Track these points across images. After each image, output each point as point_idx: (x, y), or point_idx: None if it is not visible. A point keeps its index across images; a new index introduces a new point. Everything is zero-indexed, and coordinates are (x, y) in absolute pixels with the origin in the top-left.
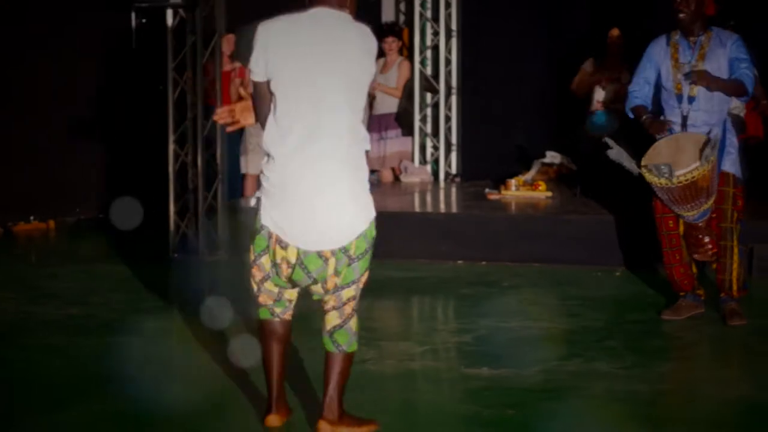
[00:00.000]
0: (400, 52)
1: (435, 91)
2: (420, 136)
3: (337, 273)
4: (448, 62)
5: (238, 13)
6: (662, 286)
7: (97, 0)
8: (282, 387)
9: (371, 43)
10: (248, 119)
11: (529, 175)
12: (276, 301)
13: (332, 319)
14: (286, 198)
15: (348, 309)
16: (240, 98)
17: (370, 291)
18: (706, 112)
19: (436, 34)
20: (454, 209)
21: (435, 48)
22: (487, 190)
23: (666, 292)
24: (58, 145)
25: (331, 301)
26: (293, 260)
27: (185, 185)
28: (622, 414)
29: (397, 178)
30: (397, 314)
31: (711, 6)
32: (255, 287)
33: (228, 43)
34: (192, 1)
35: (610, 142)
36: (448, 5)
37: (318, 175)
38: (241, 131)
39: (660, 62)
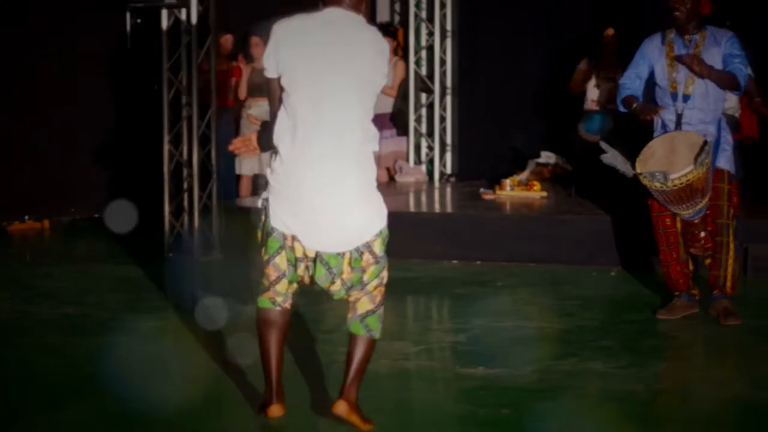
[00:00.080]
0: (395, 52)
1: (430, 91)
2: (415, 136)
3: (352, 266)
4: (442, 62)
5: (233, 13)
6: (657, 285)
7: (96, 0)
8: (281, 378)
9: (383, 45)
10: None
11: (523, 175)
12: (280, 293)
13: (365, 304)
14: (295, 197)
15: (378, 296)
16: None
17: None
18: (701, 111)
19: (430, 34)
20: (448, 209)
21: (430, 48)
22: (481, 190)
23: (661, 292)
24: (53, 144)
25: (357, 294)
26: (312, 255)
27: (180, 185)
28: (617, 413)
29: (392, 178)
30: (392, 314)
31: (706, 5)
32: (266, 284)
33: (225, 43)
34: (187, 1)
35: (604, 145)
36: (442, 5)
37: (326, 173)
38: (237, 132)
39: (654, 60)
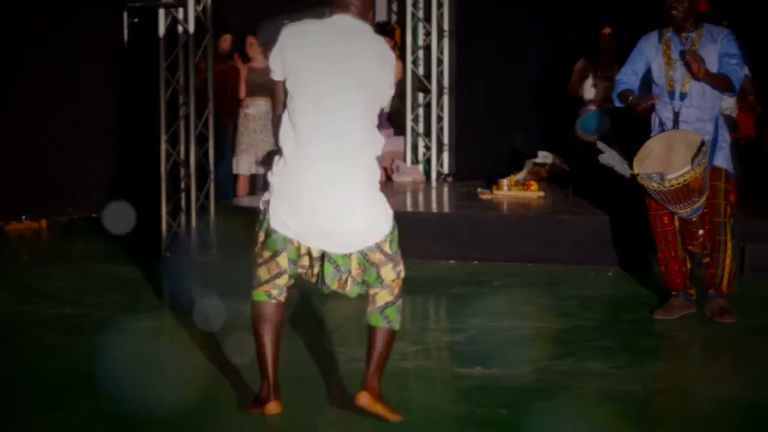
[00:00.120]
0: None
1: (427, 91)
2: (412, 136)
3: (364, 267)
4: (440, 62)
5: (230, 13)
6: (655, 285)
7: (95, 0)
8: (277, 374)
9: (391, 56)
10: None
11: (521, 175)
12: (278, 286)
13: (384, 296)
14: (296, 197)
15: (396, 289)
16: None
17: None
18: (698, 109)
19: (428, 34)
20: (446, 209)
21: (427, 48)
22: (479, 189)
23: (659, 292)
24: (51, 144)
25: (376, 289)
26: (318, 254)
27: (177, 185)
28: (615, 413)
29: (389, 178)
30: None
31: (704, 3)
32: (263, 278)
33: (223, 43)
34: (184, 0)
35: (601, 145)
36: (440, 5)
37: (326, 173)
38: (234, 132)
39: (651, 58)
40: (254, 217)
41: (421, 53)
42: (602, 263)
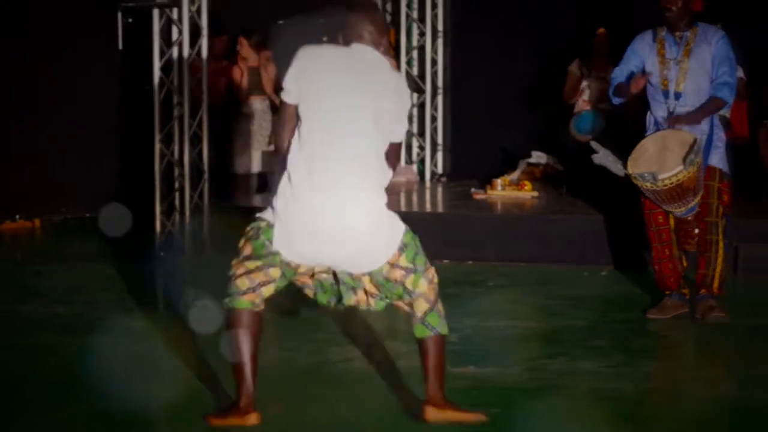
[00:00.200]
0: (387, 52)
1: (421, 91)
2: (406, 136)
3: (384, 284)
4: (434, 62)
5: (225, 14)
6: (648, 285)
7: (92, 0)
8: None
9: (405, 90)
10: None
11: (514, 175)
12: (263, 296)
13: (421, 305)
14: (304, 223)
15: (431, 294)
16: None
17: None
18: (693, 108)
19: (422, 34)
20: (440, 209)
21: (421, 48)
22: (473, 189)
23: (652, 292)
24: (44, 144)
25: (409, 299)
26: (326, 274)
27: (171, 184)
28: (607, 412)
29: None
30: (383, 313)
31: (698, 2)
32: (246, 286)
33: (219, 44)
34: (178, 0)
35: (595, 145)
36: (434, 6)
37: (337, 201)
38: (231, 131)
39: (645, 57)
40: (249, 216)
41: (415, 54)
42: (596, 263)
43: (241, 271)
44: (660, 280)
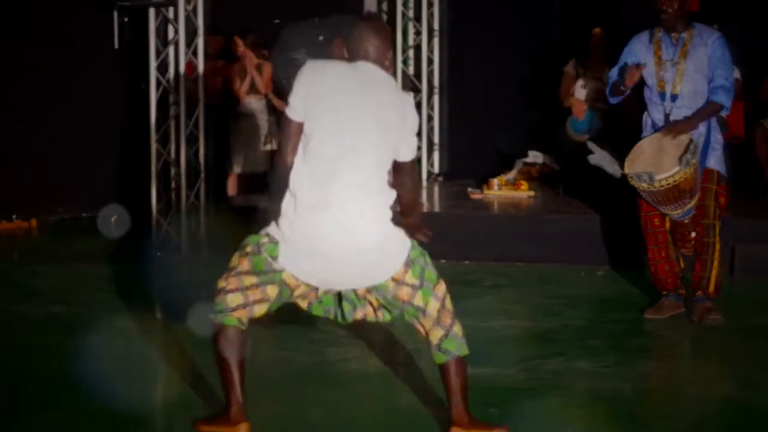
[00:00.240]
0: None
1: (417, 91)
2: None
3: (384, 301)
4: (430, 62)
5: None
6: (645, 285)
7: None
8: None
9: (411, 110)
10: None
11: (511, 175)
12: (251, 316)
13: (436, 333)
14: (309, 241)
15: (445, 318)
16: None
17: None
18: (689, 110)
19: (418, 33)
20: (436, 209)
21: (417, 47)
22: (469, 189)
23: (649, 291)
24: (41, 144)
25: (424, 322)
26: (328, 294)
27: (168, 184)
28: (604, 412)
29: None
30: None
31: (695, 2)
32: (235, 304)
33: (214, 43)
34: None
35: (592, 146)
36: (430, 5)
37: (344, 218)
38: (227, 131)
39: (642, 58)
40: (246, 216)
41: (411, 53)
42: (592, 263)
43: (233, 286)
44: (656, 281)
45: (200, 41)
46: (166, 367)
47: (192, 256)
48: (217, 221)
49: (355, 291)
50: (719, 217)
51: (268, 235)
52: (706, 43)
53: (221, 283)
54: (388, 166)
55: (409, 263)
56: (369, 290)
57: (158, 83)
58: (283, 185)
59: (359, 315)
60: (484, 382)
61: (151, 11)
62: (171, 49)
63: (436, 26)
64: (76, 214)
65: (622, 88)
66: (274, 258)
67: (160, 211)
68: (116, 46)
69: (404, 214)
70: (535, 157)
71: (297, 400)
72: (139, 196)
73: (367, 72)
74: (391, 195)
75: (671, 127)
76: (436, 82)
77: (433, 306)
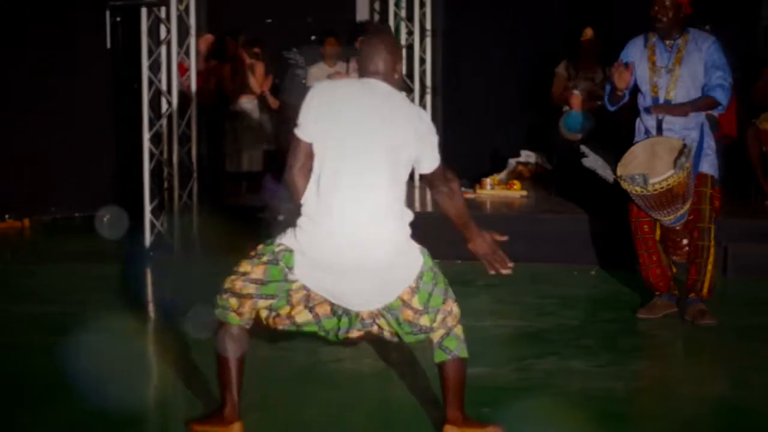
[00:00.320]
0: None
1: (410, 91)
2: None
3: (394, 321)
4: (422, 61)
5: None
6: (638, 285)
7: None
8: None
9: (427, 121)
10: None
11: (504, 174)
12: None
13: (438, 333)
14: (322, 257)
15: (450, 321)
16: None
17: None
18: (682, 117)
19: (410, 33)
20: (428, 208)
21: (410, 47)
22: (462, 189)
23: (641, 291)
24: (33, 143)
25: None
26: (326, 309)
27: (161, 184)
28: (597, 412)
29: None
30: None
31: (688, 7)
32: (244, 308)
33: (205, 43)
34: None
35: (585, 149)
36: (422, 5)
37: (355, 237)
38: (220, 131)
39: (636, 63)
40: (238, 216)
41: (403, 53)
42: (585, 262)
43: (245, 291)
44: (648, 285)
45: (192, 41)
46: (160, 367)
47: (184, 256)
48: (209, 221)
49: (359, 314)
50: (714, 221)
51: (282, 244)
52: (701, 48)
53: (229, 284)
54: (403, 183)
55: (416, 288)
56: (380, 312)
57: (150, 83)
58: (289, 196)
59: (353, 334)
60: (477, 381)
61: (143, 11)
62: (163, 49)
63: (428, 26)
64: (68, 214)
65: (618, 93)
66: (290, 268)
67: (153, 211)
68: (108, 45)
69: (467, 239)
70: (527, 156)
71: (292, 400)
72: (132, 196)
73: (377, 89)
74: (408, 213)
75: (662, 107)
76: (428, 82)
77: (439, 319)
